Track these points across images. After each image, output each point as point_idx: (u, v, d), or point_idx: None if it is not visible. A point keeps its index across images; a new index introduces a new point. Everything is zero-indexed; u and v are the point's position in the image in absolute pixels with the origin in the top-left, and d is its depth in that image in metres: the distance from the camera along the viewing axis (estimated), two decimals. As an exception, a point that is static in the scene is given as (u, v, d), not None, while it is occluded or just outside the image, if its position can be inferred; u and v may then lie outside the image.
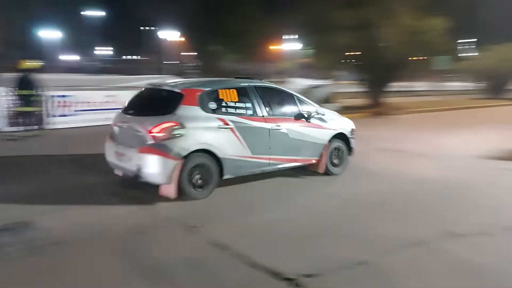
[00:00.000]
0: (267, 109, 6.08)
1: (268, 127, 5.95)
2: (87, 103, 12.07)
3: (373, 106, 17.55)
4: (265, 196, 5.84)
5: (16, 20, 34.21)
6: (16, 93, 10.28)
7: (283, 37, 49.27)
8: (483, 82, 27.92)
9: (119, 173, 5.77)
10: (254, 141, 5.82)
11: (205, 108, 5.51)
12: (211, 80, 6.46)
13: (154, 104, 5.79)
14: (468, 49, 35.78)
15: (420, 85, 34.56)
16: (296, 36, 35.73)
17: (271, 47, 66.29)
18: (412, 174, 7.02)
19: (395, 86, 20.52)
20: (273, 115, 6.13)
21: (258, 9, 21.17)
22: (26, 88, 10.25)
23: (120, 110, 6.14)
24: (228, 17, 20.02)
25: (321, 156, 6.66)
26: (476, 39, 33.33)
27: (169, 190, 5.18)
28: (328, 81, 17.00)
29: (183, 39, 35.60)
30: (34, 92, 10.39)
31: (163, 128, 5.13)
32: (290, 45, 47.16)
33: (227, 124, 5.57)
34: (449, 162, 8.03)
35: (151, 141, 5.14)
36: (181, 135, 5.18)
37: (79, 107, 11.92)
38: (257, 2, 21.15)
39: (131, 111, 5.86)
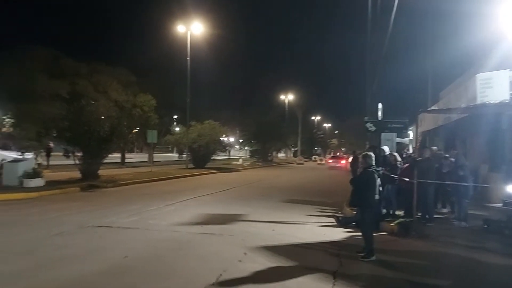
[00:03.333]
0: None
1: None
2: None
3: (85, 179, 16.85)
4: None
5: None
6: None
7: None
8: (187, 154, 31.48)
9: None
10: None
11: None
12: None
13: (340, 158, 45.90)
14: (174, 124, 40.12)
15: (134, 157, 36.09)
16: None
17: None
18: (109, 253, 6.87)
19: (110, 157, 20.58)
20: None
21: None
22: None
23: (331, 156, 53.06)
24: None
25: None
26: (179, 116, 37.84)
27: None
28: (30, 154, 15.47)
29: None
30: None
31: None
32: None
33: None
34: (154, 233, 8.33)
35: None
36: None
37: None
38: None
39: (334, 158, 48.14)
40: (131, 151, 32.72)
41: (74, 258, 6.37)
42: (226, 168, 32.68)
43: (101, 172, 18.55)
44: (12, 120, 16.50)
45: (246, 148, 60.67)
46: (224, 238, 8.05)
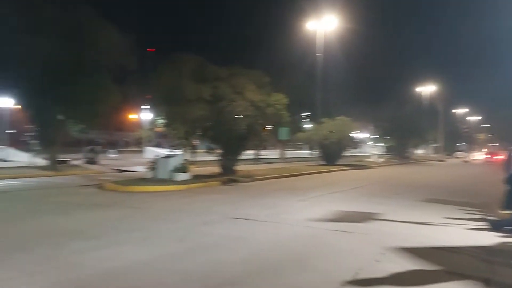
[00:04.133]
0: None
1: None
2: None
3: (225, 174, 18.20)
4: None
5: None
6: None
7: (142, 107, 48.85)
8: (318, 151, 31.52)
9: None
10: None
11: None
12: None
13: (495, 153, 48.11)
14: (304, 121, 40.61)
15: (268, 153, 37.57)
16: (148, 106, 35.95)
17: (129, 116, 64.88)
18: (248, 244, 7.28)
19: (246, 154, 21.85)
20: None
21: (109, 77, 20.83)
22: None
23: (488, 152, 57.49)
24: (75, 85, 19.10)
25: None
26: (309, 113, 38.18)
27: None
28: (179, 151, 17.26)
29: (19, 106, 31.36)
30: None
31: None
32: (146, 114, 46.99)
33: None
34: (288, 228, 8.58)
35: None
36: None
37: None
38: (108, 70, 20.80)
39: (490, 153, 53.30)
40: (264, 148, 34.19)
41: (218, 246, 6.93)
42: (358, 165, 31.85)
43: (238, 167, 19.82)
44: (164, 121, 18.70)
45: (380, 144, 58.19)
46: (359, 236, 7.87)
